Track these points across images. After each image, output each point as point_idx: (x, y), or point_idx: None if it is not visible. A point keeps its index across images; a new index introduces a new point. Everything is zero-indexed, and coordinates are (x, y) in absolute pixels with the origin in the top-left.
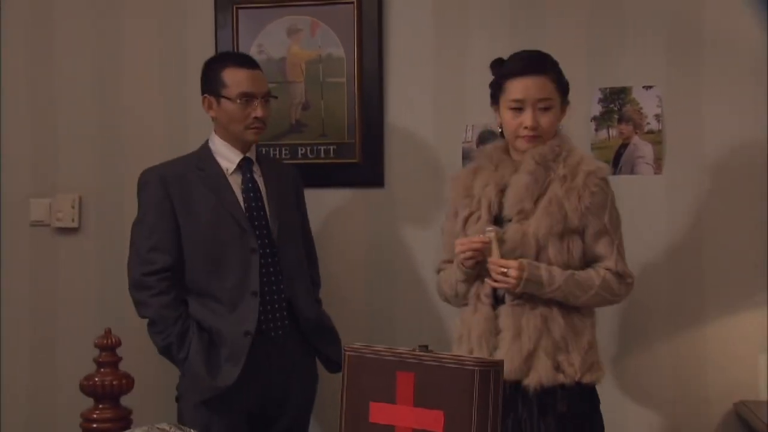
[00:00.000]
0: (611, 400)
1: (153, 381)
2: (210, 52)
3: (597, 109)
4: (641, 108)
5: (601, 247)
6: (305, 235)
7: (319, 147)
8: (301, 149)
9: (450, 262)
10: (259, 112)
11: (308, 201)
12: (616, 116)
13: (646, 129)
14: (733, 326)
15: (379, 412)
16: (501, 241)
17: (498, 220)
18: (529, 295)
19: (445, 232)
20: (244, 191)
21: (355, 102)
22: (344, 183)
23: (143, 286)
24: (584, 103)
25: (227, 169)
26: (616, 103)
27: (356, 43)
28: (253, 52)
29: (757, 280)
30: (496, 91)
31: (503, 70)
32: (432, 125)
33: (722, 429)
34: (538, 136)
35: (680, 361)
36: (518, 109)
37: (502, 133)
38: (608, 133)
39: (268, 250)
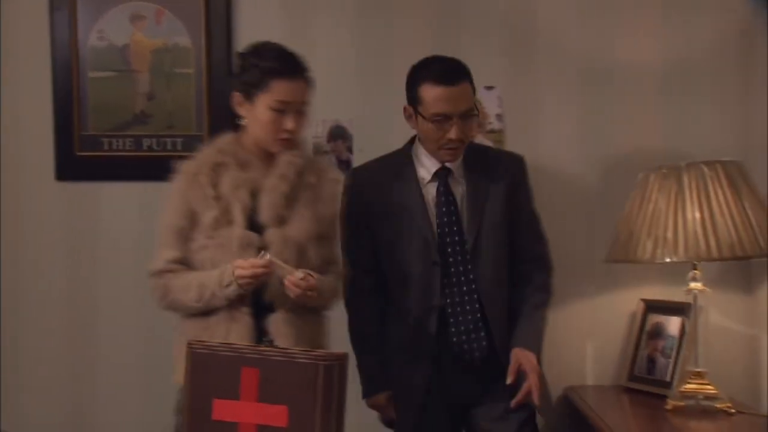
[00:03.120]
0: None
1: None
2: (44, 35)
3: None
4: (483, 108)
5: (334, 252)
6: (528, 223)
7: (165, 139)
8: (147, 141)
9: (181, 263)
10: (453, 134)
11: (154, 195)
12: None
13: (488, 128)
14: (562, 316)
15: (222, 409)
16: (264, 249)
17: (252, 225)
18: (298, 303)
19: (170, 228)
20: (437, 205)
21: (203, 94)
22: None
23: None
24: None
25: (423, 179)
26: None
27: (203, 33)
28: (93, 38)
29: (584, 271)
30: (257, 82)
31: (270, 66)
32: None
33: (554, 413)
34: (295, 139)
35: None
36: (281, 111)
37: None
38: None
39: (460, 267)
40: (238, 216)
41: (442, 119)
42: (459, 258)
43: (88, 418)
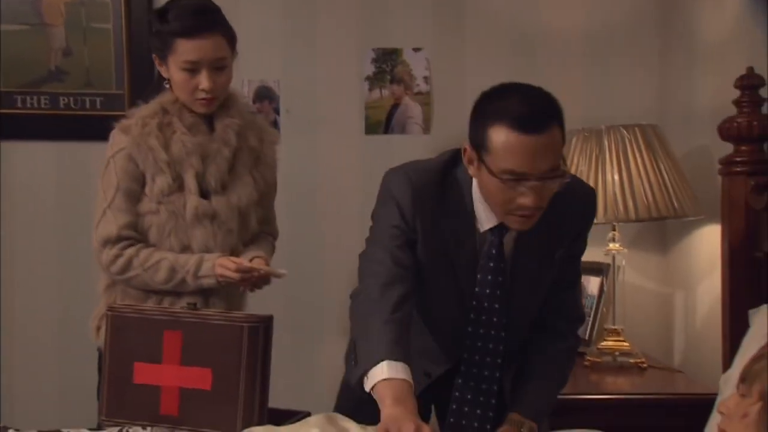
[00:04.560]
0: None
1: None
2: None
3: (370, 69)
4: (411, 70)
5: (271, 212)
6: (572, 273)
7: (83, 97)
8: (63, 99)
9: (133, 228)
10: (529, 200)
11: (72, 156)
12: (388, 77)
13: (415, 90)
14: None
15: (144, 373)
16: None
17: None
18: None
19: (121, 191)
20: (482, 266)
21: (122, 50)
22: None
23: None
24: (357, 63)
25: (477, 227)
26: (388, 64)
27: None
28: None
29: None
30: (163, 45)
31: (171, 28)
32: None
33: None
34: (215, 98)
35: None
36: (192, 71)
37: (168, 82)
38: (381, 93)
39: (492, 331)
40: (191, 183)
41: (515, 179)
42: (493, 323)
43: (5, 380)
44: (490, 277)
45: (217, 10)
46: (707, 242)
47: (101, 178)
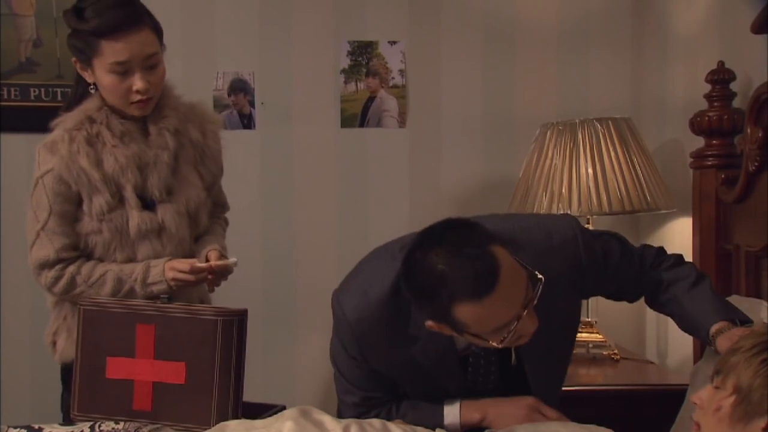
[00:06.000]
0: None
1: None
2: None
3: (345, 62)
4: (387, 63)
5: (221, 194)
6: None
7: (54, 89)
8: (34, 90)
9: (73, 248)
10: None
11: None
12: (364, 70)
13: (391, 83)
14: None
15: (116, 367)
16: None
17: (143, 202)
18: None
19: (54, 214)
20: (474, 365)
21: None
22: None
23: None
24: (332, 56)
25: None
26: (363, 57)
27: None
28: None
29: None
30: (85, 47)
31: (92, 27)
32: (182, 71)
33: None
34: (150, 98)
35: None
36: (122, 72)
37: (95, 87)
38: (356, 86)
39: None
40: (131, 197)
41: (503, 330)
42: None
43: None
44: (483, 362)
45: (136, 2)
46: (679, 235)
47: (30, 197)
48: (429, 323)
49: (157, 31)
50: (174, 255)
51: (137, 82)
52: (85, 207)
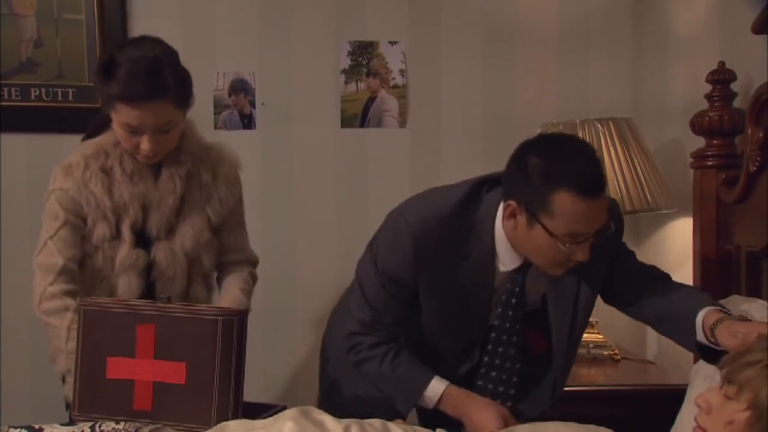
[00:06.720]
0: None
1: None
2: None
3: (346, 62)
4: (387, 63)
5: (238, 239)
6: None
7: (55, 89)
8: (35, 91)
9: (72, 265)
10: (581, 256)
11: (43, 148)
12: (364, 70)
13: (391, 84)
14: None
15: (117, 367)
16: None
17: (141, 237)
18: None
19: (73, 226)
20: (504, 302)
21: (95, 41)
22: (84, 130)
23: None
24: (333, 56)
25: (499, 270)
26: (364, 57)
27: None
28: None
29: None
30: (105, 98)
31: (112, 91)
32: None
33: None
34: (157, 155)
35: None
36: (133, 132)
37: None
38: (357, 86)
39: (507, 363)
40: (126, 232)
41: (575, 241)
42: (509, 356)
43: None
44: (510, 312)
45: (168, 71)
46: (680, 235)
47: (46, 207)
48: (510, 202)
49: (179, 99)
50: (164, 291)
51: (144, 143)
52: (87, 231)
